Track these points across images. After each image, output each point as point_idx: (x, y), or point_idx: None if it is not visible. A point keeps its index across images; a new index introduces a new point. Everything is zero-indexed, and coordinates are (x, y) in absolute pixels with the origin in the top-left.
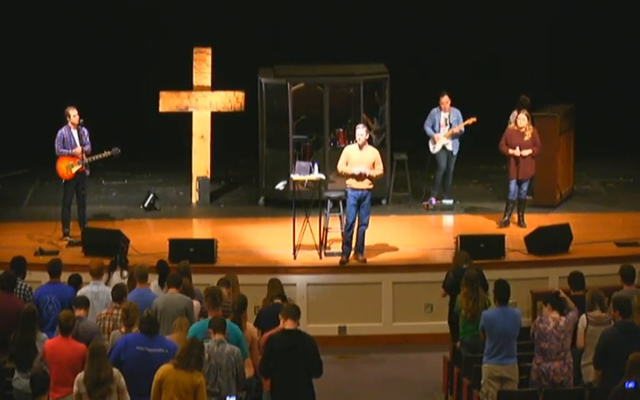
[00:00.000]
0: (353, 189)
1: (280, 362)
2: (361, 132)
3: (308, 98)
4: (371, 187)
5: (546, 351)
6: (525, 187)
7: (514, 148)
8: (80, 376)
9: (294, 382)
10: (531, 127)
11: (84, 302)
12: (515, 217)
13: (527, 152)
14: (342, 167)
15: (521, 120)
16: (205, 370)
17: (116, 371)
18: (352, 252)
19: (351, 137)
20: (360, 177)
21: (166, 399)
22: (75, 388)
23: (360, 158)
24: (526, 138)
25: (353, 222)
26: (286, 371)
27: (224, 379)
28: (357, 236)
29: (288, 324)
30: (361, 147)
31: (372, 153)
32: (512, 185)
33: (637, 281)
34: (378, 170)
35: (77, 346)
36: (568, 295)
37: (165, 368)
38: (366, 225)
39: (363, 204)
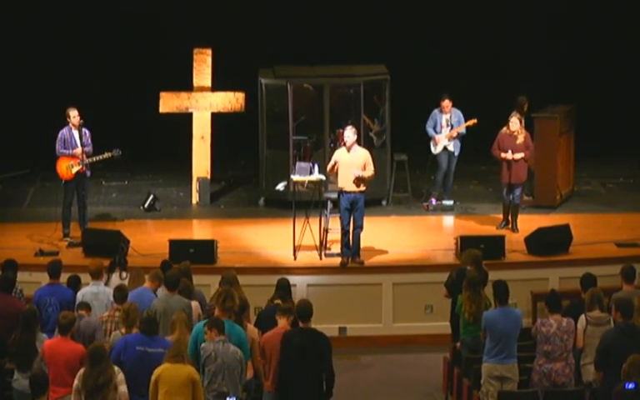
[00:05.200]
0: (346, 192)
1: (292, 359)
2: (348, 133)
3: (308, 99)
4: (363, 189)
5: (549, 353)
6: (518, 191)
7: (506, 152)
8: (82, 371)
9: (303, 381)
10: (523, 130)
11: (86, 307)
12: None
13: (519, 156)
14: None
15: (513, 124)
16: (212, 369)
17: (115, 368)
18: (350, 255)
19: None
20: (350, 175)
21: (162, 394)
22: (75, 382)
23: (349, 161)
24: (518, 142)
25: (348, 225)
26: (296, 369)
27: (231, 378)
28: (352, 239)
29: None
30: (349, 149)
31: (362, 155)
32: (506, 190)
33: (637, 282)
34: (369, 171)
35: (75, 347)
36: (579, 296)
37: (160, 368)
38: (361, 228)
39: (357, 207)
